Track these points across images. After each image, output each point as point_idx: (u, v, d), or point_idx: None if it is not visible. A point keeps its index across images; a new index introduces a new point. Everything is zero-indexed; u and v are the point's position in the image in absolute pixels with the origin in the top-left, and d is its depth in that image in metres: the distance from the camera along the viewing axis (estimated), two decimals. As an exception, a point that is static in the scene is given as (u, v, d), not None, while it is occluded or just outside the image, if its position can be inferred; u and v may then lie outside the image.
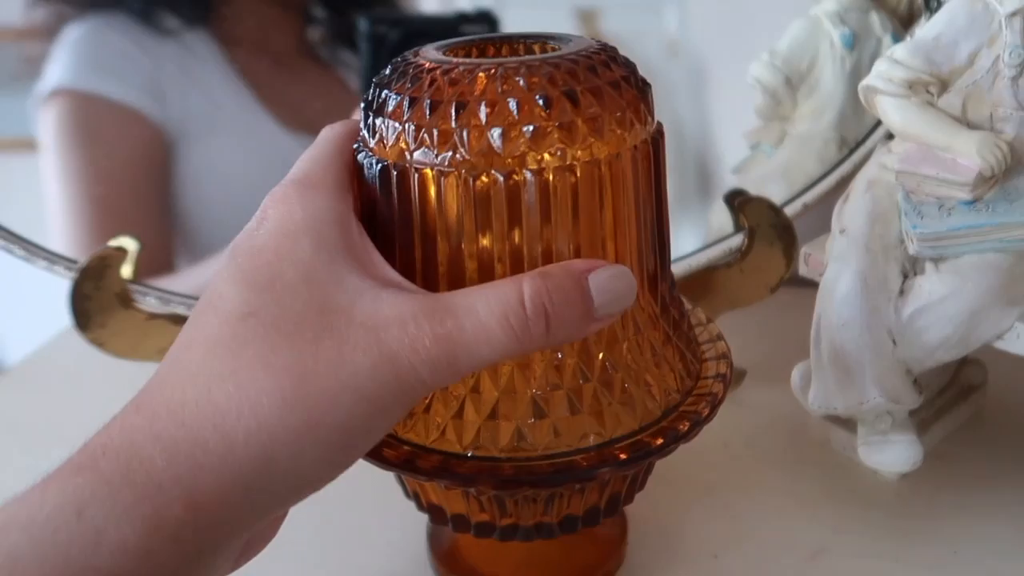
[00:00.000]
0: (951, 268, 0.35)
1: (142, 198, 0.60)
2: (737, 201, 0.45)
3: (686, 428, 0.31)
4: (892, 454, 0.38)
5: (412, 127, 0.28)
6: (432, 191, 0.28)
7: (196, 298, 0.44)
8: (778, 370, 0.44)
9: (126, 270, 0.42)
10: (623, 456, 0.30)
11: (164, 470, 0.23)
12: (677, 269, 0.46)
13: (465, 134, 0.27)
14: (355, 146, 0.31)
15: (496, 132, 0.27)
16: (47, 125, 0.59)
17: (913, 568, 0.37)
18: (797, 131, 0.49)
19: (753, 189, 0.46)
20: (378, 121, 0.29)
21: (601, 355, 0.30)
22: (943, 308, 0.35)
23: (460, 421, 0.29)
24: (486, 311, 0.25)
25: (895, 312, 0.36)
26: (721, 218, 0.48)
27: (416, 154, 0.28)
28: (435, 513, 0.34)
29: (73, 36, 0.60)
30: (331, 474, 0.26)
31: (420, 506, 0.34)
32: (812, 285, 0.41)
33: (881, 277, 0.37)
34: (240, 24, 0.64)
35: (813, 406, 0.40)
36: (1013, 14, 0.34)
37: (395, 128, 0.29)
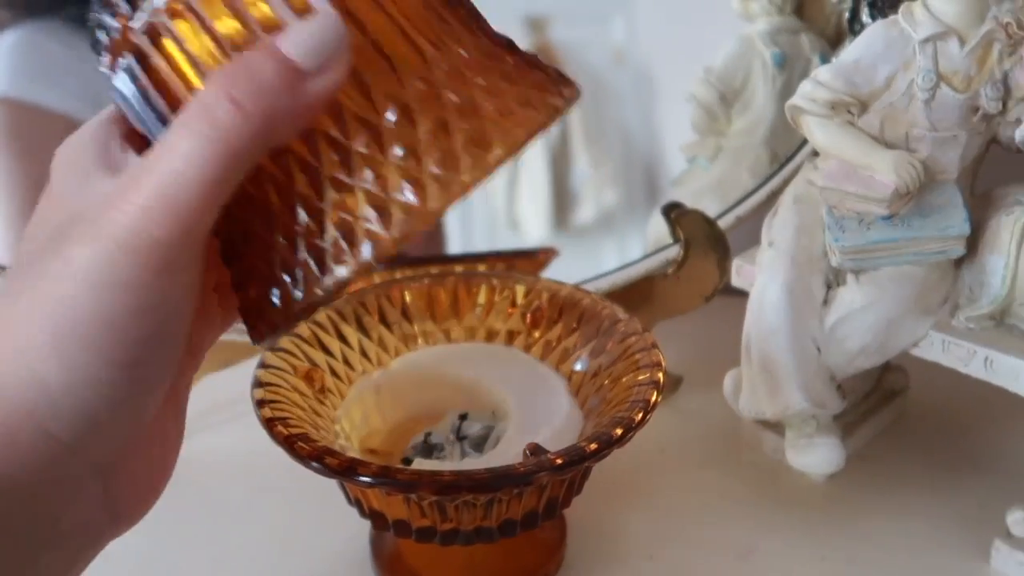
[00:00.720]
0: (870, 279, 0.37)
1: None
2: (673, 214, 0.46)
3: (619, 434, 0.32)
4: (817, 456, 0.40)
5: (116, 23, 0.25)
6: (171, 48, 0.24)
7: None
8: (712, 376, 0.46)
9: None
10: (559, 461, 0.31)
11: None
12: (617, 278, 0.47)
13: None
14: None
15: None
16: None
17: (837, 564, 0.39)
18: (731, 146, 0.51)
19: (690, 202, 0.48)
20: (97, 44, 0.26)
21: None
22: (863, 317, 0.37)
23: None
24: (172, 135, 0.22)
25: (819, 321, 0.38)
26: (659, 229, 0.50)
27: (131, 35, 0.25)
28: (377, 519, 0.34)
29: (8, 43, 0.59)
30: (124, 382, 0.23)
31: (362, 512, 0.35)
32: (745, 294, 0.43)
33: (806, 288, 0.39)
34: None
35: (744, 411, 0.41)
36: (926, 40, 0.36)
37: (106, 36, 0.26)
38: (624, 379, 0.37)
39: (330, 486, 0.35)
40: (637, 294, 0.47)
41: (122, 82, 0.26)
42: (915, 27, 0.36)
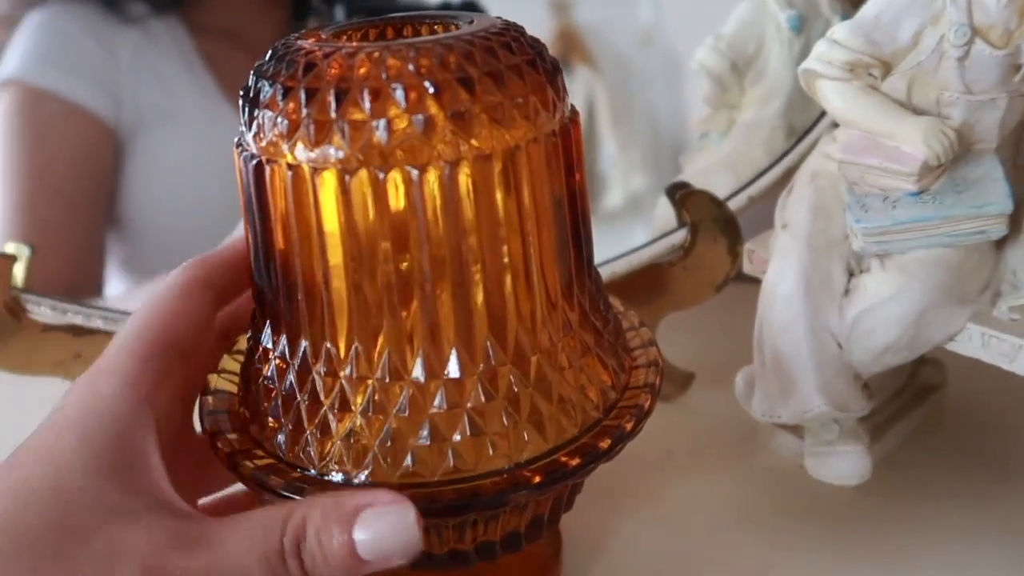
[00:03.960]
0: (897, 265, 0.33)
1: (79, 204, 0.57)
2: (679, 194, 0.42)
3: (607, 446, 0.28)
4: (839, 467, 0.36)
5: (286, 120, 0.25)
6: (309, 191, 0.25)
7: (98, 307, 0.41)
8: (727, 373, 0.41)
9: (17, 277, 0.39)
10: (537, 479, 0.27)
11: None
12: (619, 266, 0.43)
13: (345, 127, 0.25)
14: (235, 141, 0.28)
15: (380, 124, 0.25)
16: None
17: (863, 587, 0.34)
18: (744, 119, 0.46)
19: (699, 180, 0.44)
20: (254, 112, 0.27)
21: (507, 370, 0.27)
22: (889, 309, 0.33)
23: (351, 442, 0.27)
24: (245, 546, 0.23)
25: (839, 313, 0.34)
26: (667, 212, 0.45)
27: (293, 150, 0.25)
28: None
29: (32, 24, 0.58)
30: None
31: None
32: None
33: (824, 275, 0.34)
34: (213, 12, 0.61)
35: (757, 414, 0.37)
36: (959, -11, 0.31)
37: (270, 119, 0.26)
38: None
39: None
40: (642, 284, 0.43)
41: (246, 159, 0.27)
42: (946, -26, 0.32)
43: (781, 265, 0.35)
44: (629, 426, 0.29)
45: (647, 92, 0.58)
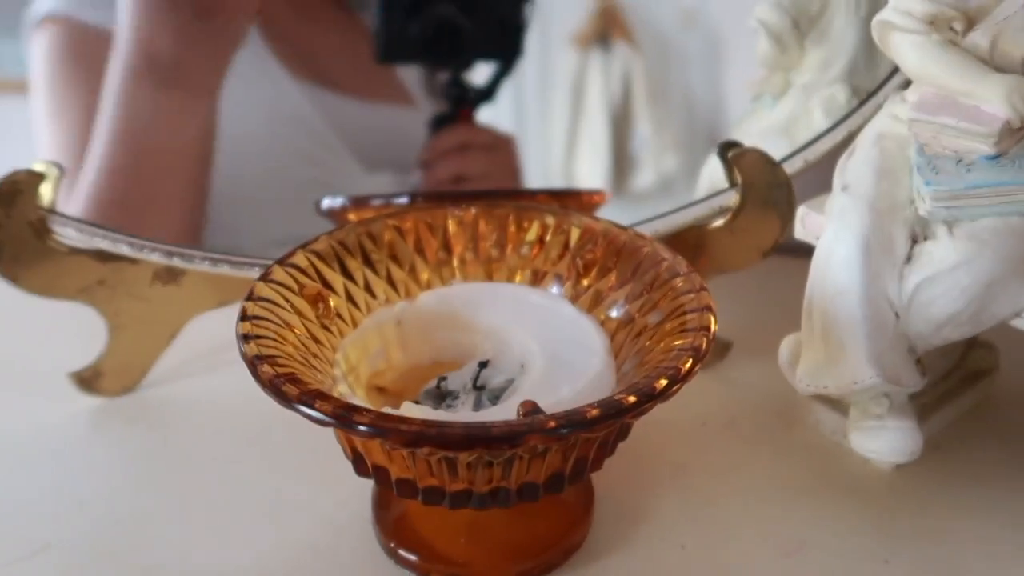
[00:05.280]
0: (967, 233, 0.31)
1: None
2: (730, 154, 0.40)
3: (662, 386, 0.27)
4: (888, 441, 0.34)
5: None
6: None
7: (124, 234, 0.40)
8: (768, 345, 0.40)
9: (45, 197, 0.38)
10: (593, 413, 0.26)
11: None
12: (662, 225, 0.41)
13: None
14: None
15: None
16: (38, 52, 0.57)
17: (902, 569, 0.33)
18: (802, 82, 0.44)
19: (751, 143, 0.42)
20: None
21: None
22: (954, 278, 0.31)
23: None
24: None
25: (899, 281, 0.32)
26: (714, 176, 0.44)
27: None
28: (379, 476, 0.30)
29: None
30: None
31: (363, 470, 0.30)
32: (810, 254, 0.37)
33: (886, 240, 0.32)
34: None
35: (801, 384, 0.35)
36: (1056, -61, 0.29)
37: None
38: (663, 343, 0.31)
39: (328, 440, 0.31)
40: (685, 245, 0.41)
41: None
42: (1042, -78, 0.30)
43: (839, 227, 0.33)
44: (685, 367, 0.28)
45: (685, 74, 0.57)
